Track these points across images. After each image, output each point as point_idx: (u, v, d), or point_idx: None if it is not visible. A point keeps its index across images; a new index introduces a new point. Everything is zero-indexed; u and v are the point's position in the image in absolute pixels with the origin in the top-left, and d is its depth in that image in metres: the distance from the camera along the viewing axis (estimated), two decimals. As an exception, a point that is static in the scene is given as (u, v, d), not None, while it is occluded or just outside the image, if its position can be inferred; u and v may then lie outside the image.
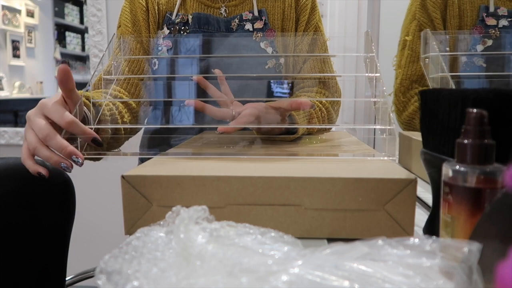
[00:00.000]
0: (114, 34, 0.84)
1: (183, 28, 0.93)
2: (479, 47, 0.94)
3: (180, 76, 0.93)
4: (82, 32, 3.54)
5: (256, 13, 0.95)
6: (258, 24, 0.95)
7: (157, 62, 0.94)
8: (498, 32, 0.94)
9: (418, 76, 1.00)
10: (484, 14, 0.96)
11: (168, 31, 0.94)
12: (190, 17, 0.94)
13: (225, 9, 0.96)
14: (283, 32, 0.97)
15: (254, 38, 0.94)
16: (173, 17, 0.95)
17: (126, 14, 0.98)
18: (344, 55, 1.73)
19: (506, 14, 0.96)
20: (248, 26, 0.95)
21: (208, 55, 0.92)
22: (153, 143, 1.00)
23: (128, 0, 0.99)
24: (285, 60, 0.96)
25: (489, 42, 0.94)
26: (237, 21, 0.95)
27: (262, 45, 0.94)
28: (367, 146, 0.72)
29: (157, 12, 0.96)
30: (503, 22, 0.95)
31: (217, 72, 0.78)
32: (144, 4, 0.96)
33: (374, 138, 1.47)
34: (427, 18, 0.99)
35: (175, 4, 0.96)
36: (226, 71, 0.80)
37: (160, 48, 0.93)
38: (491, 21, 0.96)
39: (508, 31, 0.95)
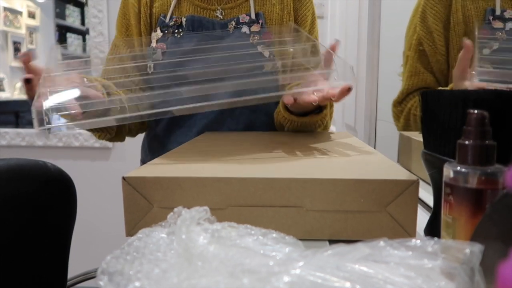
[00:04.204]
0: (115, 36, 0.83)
1: (176, 31, 0.92)
2: (486, 51, 0.93)
3: (178, 77, 0.93)
4: (83, 33, 3.54)
5: (253, 16, 0.95)
6: (255, 27, 0.94)
7: (152, 66, 0.93)
8: (505, 35, 0.93)
9: (415, 90, 1.02)
10: (491, 17, 0.95)
11: (162, 33, 0.93)
12: (184, 19, 0.93)
13: (221, 12, 0.95)
14: (280, 39, 0.96)
15: (251, 41, 0.93)
16: (167, 20, 0.94)
17: (120, 18, 0.98)
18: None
19: None
20: (245, 29, 0.94)
21: (205, 56, 0.91)
22: (154, 145, 0.99)
23: (123, 3, 0.99)
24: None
25: (496, 46, 0.93)
26: (233, 23, 0.94)
27: (259, 48, 0.93)
28: (367, 146, 0.72)
29: (149, 15, 0.95)
30: (510, 25, 0.94)
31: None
32: (137, 6, 0.96)
33: (375, 138, 1.47)
34: (427, 31, 0.99)
35: (169, 7, 0.95)
36: (222, 73, 0.79)
37: (154, 51, 0.92)
38: (497, 24, 0.94)
39: None
